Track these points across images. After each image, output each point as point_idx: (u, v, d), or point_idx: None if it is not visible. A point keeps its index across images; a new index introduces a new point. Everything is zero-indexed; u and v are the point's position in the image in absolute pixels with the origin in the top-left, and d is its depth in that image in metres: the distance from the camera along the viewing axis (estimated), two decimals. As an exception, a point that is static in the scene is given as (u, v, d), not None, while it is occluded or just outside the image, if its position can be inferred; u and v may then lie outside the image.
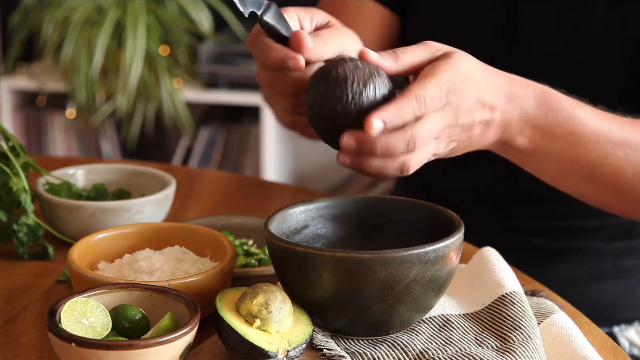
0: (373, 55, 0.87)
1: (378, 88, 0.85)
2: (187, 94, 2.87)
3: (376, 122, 0.83)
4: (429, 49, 0.90)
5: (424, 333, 0.86)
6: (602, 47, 1.13)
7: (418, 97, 0.85)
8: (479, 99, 0.89)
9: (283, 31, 0.90)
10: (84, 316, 0.78)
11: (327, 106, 0.85)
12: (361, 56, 0.87)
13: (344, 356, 0.81)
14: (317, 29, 0.96)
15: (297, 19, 0.94)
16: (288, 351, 0.78)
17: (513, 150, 0.97)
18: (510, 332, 0.85)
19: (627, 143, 0.98)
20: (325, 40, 0.93)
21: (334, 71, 0.85)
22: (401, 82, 0.92)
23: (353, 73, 0.85)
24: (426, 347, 0.83)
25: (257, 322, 0.79)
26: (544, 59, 1.17)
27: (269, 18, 0.88)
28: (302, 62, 0.89)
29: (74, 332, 0.76)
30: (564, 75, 1.16)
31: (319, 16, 0.96)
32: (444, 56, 0.89)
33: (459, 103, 0.87)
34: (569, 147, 0.96)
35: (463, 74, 0.88)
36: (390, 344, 0.84)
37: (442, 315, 0.89)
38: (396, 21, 1.30)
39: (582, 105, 0.97)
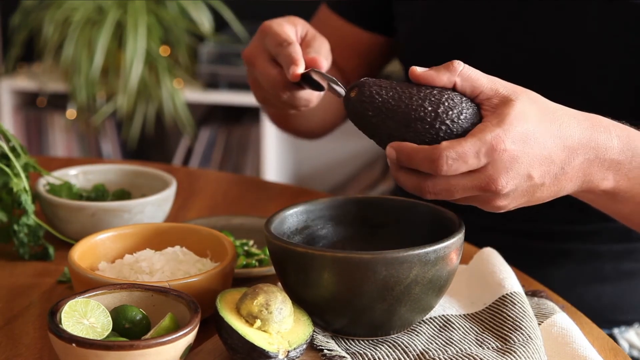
0: (417, 68, 0.86)
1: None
2: (187, 94, 2.87)
3: (389, 150, 0.84)
4: (493, 81, 0.86)
5: (424, 333, 0.86)
6: (598, 47, 1.13)
7: (441, 155, 0.81)
8: (542, 156, 0.84)
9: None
10: (85, 317, 0.78)
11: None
12: (417, 77, 0.86)
13: (344, 357, 0.81)
14: (302, 38, 1.03)
15: (294, 32, 1.01)
16: (288, 351, 0.78)
17: (595, 196, 0.94)
18: (510, 333, 0.85)
19: None
20: (319, 52, 1.00)
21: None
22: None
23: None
24: (427, 348, 0.83)
25: (258, 323, 0.79)
26: (539, 63, 1.17)
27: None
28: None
29: (75, 333, 0.76)
30: (560, 77, 1.16)
31: (300, 26, 1.03)
32: (503, 105, 0.84)
33: (504, 164, 0.82)
34: None
35: (520, 133, 0.83)
36: (390, 345, 0.84)
37: (443, 315, 0.89)
38: (376, 40, 1.31)
39: None
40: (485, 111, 0.84)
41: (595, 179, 0.89)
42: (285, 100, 1.01)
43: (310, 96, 1.02)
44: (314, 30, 1.03)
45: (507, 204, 0.86)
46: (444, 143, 0.82)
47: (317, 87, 0.96)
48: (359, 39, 1.32)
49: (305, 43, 1.01)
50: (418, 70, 0.85)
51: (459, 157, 0.81)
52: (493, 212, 0.87)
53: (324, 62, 0.97)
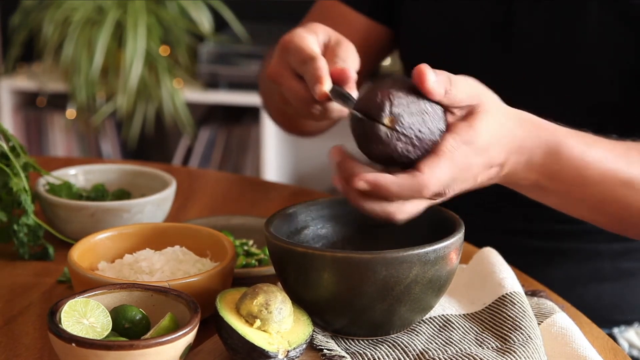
0: (431, 80, 0.84)
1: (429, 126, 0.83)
2: (187, 94, 2.87)
3: (360, 183, 0.82)
4: (473, 94, 0.86)
5: (424, 333, 0.86)
6: (597, 47, 1.13)
7: (420, 185, 0.82)
8: (487, 163, 0.87)
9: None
10: (84, 316, 0.78)
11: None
12: (418, 79, 0.83)
13: (344, 356, 0.81)
14: (325, 45, 0.97)
15: (316, 42, 0.96)
16: (288, 351, 0.78)
17: (517, 187, 0.96)
18: (510, 333, 0.85)
19: (633, 182, 0.97)
20: (346, 61, 0.94)
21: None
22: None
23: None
24: (426, 348, 0.83)
25: (258, 323, 0.79)
26: (538, 61, 1.17)
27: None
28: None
29: (75, 333, 0.76)
30: (559, 76, 1.16)
31: (322, 34, 0.97)
32: (468, 118, 0.85)
33: (461, 175, 0.85)
34: (575, 188, 0.95)
35: (480, 146, 0.85)
36: (390, 345, 0.84)
37: (443, 315, 0.89)
38: (381, 31, 1.31)
39: (593, 146, 0.94)
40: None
41: (517, 177, 0.91)
42: (318, 115, 0.96)
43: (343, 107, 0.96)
44: (337, 35, 0.98)
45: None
46: (425, 169, 0.82)
47: (345, 100, 0.89)
48: (362, 27, 1.30)
49: (329, 51, 0.96)
50: (425, 76, 0.83)
51: (439, 182, 0.83)
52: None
53: (353, 72, 0.91)
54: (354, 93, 0.89)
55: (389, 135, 0.81)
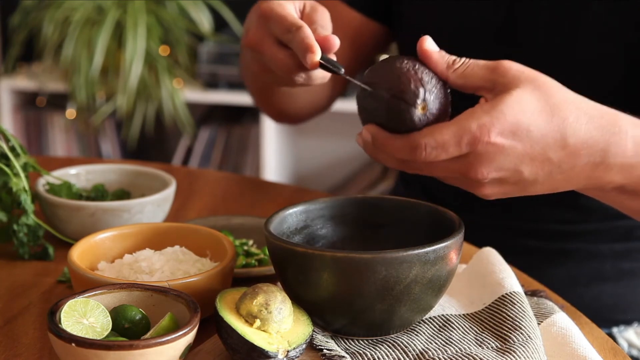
0: (433, 48, 0.85)
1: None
2: (187, 94, 2.87)
3: (365, 133, 0.84)
4: (492, 71, 0.83)
5: (424, 333, 0.86)
6: (601, 46, 1.13)
7: (419, 144, 0.81)
8: (535, 152, 0.81)
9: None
10: (84, 316, 0.78)
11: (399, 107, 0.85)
12: (422, 52, 0.85)
13: (344, 356, 0.81)
14: (301, 12, 0.98)
15: (293, 9, 0.96)
16: (288, 351, 0.78)
17: (602, 193, 0.90)
18: (510, 333, 0.85)
19: None
20: (325, 27, 0.95)
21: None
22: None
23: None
24: (426, 348, 0.83)
25: (257, 323, 0.79)
26: (541, 60, 1.17)
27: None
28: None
29: (74, 333, 0.76)
30: (562, 75, 1.16)
31: (298, 1, 0.98)
32: (500, 93, 0.82)
33: (488, 155, 0.81)
34: None
35: (511, 124, 0.80)
36: (390, 344, 0.84)
37: (442, 315, 0.89)
38: (375, 28, 1.31)
39: None
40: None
41: (601, 181, 0.86)
42: (301, 82, 0.96)
43: (325, 73, 0.96)
44: (311, 1, 0.98)
45: (492, 192, 0.85)
46: (424, 130, 0.82)
47: (336, 69, 0.91)
48: (355, 24, 1.30)
49: (306, 17, 0.96)
50: (427, 46, 0.85)
51: (439, 145, 0.81)
52: (483, 198, 0.87)
53: (337, 40, 0.91)
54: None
55: (420, 119, 0.83)
